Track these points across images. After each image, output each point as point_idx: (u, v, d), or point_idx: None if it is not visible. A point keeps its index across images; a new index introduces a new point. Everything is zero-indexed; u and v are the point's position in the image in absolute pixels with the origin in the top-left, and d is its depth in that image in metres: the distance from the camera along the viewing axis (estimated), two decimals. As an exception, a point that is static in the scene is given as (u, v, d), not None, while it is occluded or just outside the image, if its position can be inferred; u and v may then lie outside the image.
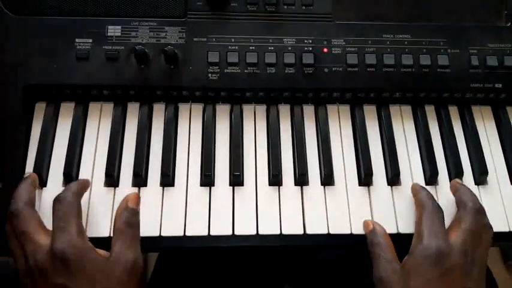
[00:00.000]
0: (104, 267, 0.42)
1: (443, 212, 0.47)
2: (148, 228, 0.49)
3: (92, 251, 0.43)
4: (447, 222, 0.48)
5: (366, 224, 0.49)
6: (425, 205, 0.48)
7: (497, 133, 0.58)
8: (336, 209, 0.51)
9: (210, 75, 0.54)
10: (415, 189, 0.51)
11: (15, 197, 0.46)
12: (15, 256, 0.44)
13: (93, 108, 0.55)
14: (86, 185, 0.49)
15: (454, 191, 0.51)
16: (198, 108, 0.56)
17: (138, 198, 0.48)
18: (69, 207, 0.44)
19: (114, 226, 0.45)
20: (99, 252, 0.44)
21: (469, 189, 0.50)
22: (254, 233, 0.50)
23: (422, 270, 0.43)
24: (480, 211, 0.47)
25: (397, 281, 0.44)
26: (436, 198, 0.51)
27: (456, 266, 0.43)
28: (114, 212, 0.49)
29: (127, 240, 0.44)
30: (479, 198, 0.52)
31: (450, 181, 0.54)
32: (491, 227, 0.48)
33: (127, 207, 0.46)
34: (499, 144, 0.57)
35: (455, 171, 0.54)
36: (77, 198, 0.46)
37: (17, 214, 0.44)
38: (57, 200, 0.45)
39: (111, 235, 0.48)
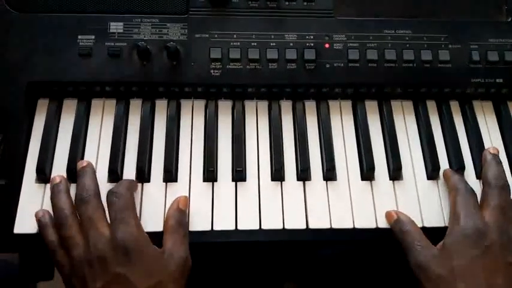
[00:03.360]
0: (160, 261, 0.44)
1: (476, 196, 0.49)
2: (151, 223, 0.49)
3: (150, 244, 0.45)
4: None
5: (389, 215, 0.50)
6: (458, 187, 0.49)
7: (498, 128, 0.58)
8: (338, 203, 0.51)
9: (212, 71, 0.54)
10: (447, 175, 0.52)
11: (84, 183, 0.47)
12: (70, 244, 0.44)
13: (96, 104, 0.56)
14: (135, 185, 0.50)
15: (483, 163, 0.52)
16: (200, 104, 0.56)
17: (187, 200, 0.50)
18: (125, 199, 0.46)
19: (165, 224, 0.47)
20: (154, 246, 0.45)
21: (499, 163, 0.51)
22: (257, 227, 0.50)
23: (464, 249, 0.44)
24: (504, 187, 0.49)
25: (439, 264, 0.45)
26: (437, 193, 0.52)
27: (495, 243, 0.45)
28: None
29: (179, 238, 0.46)
30: (480, 193, 0.53)
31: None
32: None
33: (178, 208, 0.48)
34: (500, 139, 0.57)
35: (457, 166, 0.54)
36: (131, 193, 0.47)
37: (87, 201, 0.46)
38: (112, 193, 0.46)
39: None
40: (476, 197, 0.49)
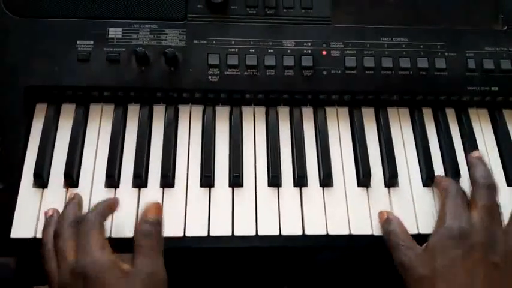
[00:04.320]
0: (124, 282, 0.42)
1: (466, 195, 0.49)
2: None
3: (114, 267, 0.42)
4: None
5: (380, 215, 0.51)
6: (447, 189, 0.49)
7: (493, 135, 0.58)
8: (335, 210, 0.52)
9: (210, 77, 0.54)
10: (438, 179, 0.52)
11: (62, 215, 0.46)
12: (49, 276, 0.44)
13: (94, 109, 0.56)
14: (112, 205, 0.49)
15: (469, 166, 0.52)
16: (198, 110, 0.57)
17: (158, 207, 0.46)
18: (90, 225, 0.44)
19: (134, 239, 0.44)
20: (122, 266, 0.43)
21: (484, 165, 0.51)
22: (253, 233, 0.50)
23: (447, 249, 0.44)
24: (492, 186, 0.48)
25: (421, 264, 0.45)
26: (432, 200, 0.52)
27: (479, 243, 0.44)
28: (114, 212, 0.49)
29: (147, 252, 0.43)
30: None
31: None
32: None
33: (146, 218, 0.45)
34: (496, 147, 0.57)
35: (453, 173, 0.54)
36: (99, 217, 0.45)
37: (59, 233, 0.44)
38: (80, 221, 0.45)
39: (112, 236, 0.49)
40: (466, 198, 0.48)
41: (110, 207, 0.48)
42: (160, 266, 0.44)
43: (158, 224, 0.45)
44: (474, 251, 0.44)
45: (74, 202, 0.48)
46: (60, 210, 0.48)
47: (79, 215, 0.47)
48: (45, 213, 0.49)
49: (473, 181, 0.50)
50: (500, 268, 0.44)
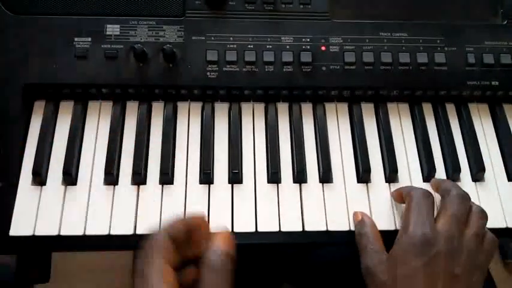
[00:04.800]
0: None
1: (432, 197, 0.47)
2: (147, 226, 0.49)
3: None
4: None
5: (355, 215, 0.50)
6: (412, 195, 0.47)
7: (494, 130, 0.58)
8: (335, 206, 0.52)
9: (208, 73, 0.54)
10: (405, 190, 0.50)
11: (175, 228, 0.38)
12: None
13: (92, 106, 0.56)
14: (194, 223, 0.38)
15: (436, 186, 0.51)
16: (196, 107, 0.56)
17: (229, 237, 0.38)
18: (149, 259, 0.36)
19: (201, 271, 0.36)
20: None
21: (449, 180, 0.51)
22: (253, 230, 0.50)
23: (408, 258, 0.43)
24: (463, 196, 0.47)
25: (384, 270, 0.44)
26: (433, 195, 0.52)
27: (441, 254, 0.43)
28: (114, 210, 0.49)
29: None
30: (476, 194, 0.53)
31: (448, 178, 0.54)
32: (482, 212, 0.47)
33: (215, 248, 0.37)
34: (496, 141, 0.57)
35: (453, 168, 0.54)
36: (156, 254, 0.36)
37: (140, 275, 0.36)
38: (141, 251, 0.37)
39: (111, 233, 0.49)
40: (432, 204, 0.47)
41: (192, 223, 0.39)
42: None
43: (229, 257, 0.37)
44: (436, 261, 0.43)
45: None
46: (58, 207, 0.48)
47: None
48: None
49: (445, 189, 0.48)
50: (461, 281, 0.43)
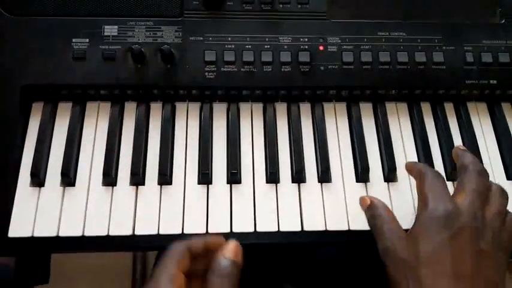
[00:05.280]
0: None
1: (443, 177, 0.46)
2: (146, 226, 0.49)
3: None
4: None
5: (362, 200, 0.48)
6: (424, 172, 0.46)
7: (492, 129, 0.58)
8: (334, 205, 0.51)
9: (206, 74, 0.54)
10: (410, 164, 0.49)
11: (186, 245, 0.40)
12: None
13: (91, 107, 0.56)
14: (214, 243, 0.41)
15: (456, 157, 0.49)
16: (195, 107, 0.56)
17: (238, 248, 0.40)
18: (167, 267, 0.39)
19: (207, 277, 0.38)
20: None
21: (470, 153, 0.48)
22: (252, 230, 0.50)
23: (431, 233, 0.41)
24: (482, 172, 0.45)
25: (405, 248, 0.42)
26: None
27: (466, 227, 0.41)
28: (112, 211, 0.49)
29: None
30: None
31: (446, 177, 0.54)
32: (501, 190, 0.46)
33: (224, 258, 0.39)
34: (495, 140, 0.57)
35: (451, 167, 0.54)
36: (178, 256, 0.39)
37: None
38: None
39: (110, 234, 0.49)
40: (444, 180, 0.45)
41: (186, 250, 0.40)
42: None
43: (236, 265, 0.39)
44: (461, 235, 0.41)
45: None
46: (57, 208, 0.48)
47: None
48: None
49: (462, 166, 0.47)
50: (488, 256, 0.41)
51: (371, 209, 0.47)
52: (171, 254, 0.39)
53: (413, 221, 0.44)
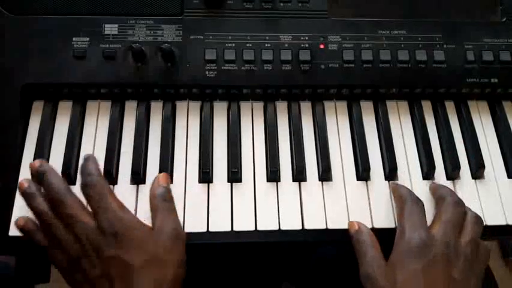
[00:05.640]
0: (151, 237, 0.44)
1: (423, 204, 0.48)
2: (147, 224, 0.49)
3: (138, 222, 0.45)
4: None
5: (351, 224, 0.50)
6: (405, 199, 0.48)
7: (493, 128, 0.58)
8: (334, 204, 0.51)
9: (207, 72, 0.54)
10: (393, 188, 0.51)
11: (53, 186, 0.45)
12: (62, 244, 0.44)
13: (91, 106, 0.56)
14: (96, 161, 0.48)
15: (433, 191, 0.52)
16: (195, 106, 0.56)
17: (167, 176, 0.49)
18: (100, 186, 0.45)
19: (150, 204, 0.47)
20: (145, 224, 0.45)
21: (445, 186, 0.51)
22: (253, 228, 0.50)
23: (407, 262, 0.44)
24: (459, 203, 0.48)
25: (383, 276, 0.45)
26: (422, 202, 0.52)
27: (439, 257, 0.44)
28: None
29: (165, 212, 0.46)
30: (476, 192, 0.53)
31: (447, 175, 0.54)
32: (477, 218, 0.48)
33: (159, 185, 0.48)
34: (496, 139, 0.57)
35: (452, 166, 0.54)
36: (102, 178, 0.46)
37: (61, 200, 0.44)
38: (86, 186, 0.45)
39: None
40: (423, 206, 0.48)
41: (96, 163, 0.48)
42: (180, 225, 0.47)
43: (170, 190, 0.48)
44: (434, 264, 0.44)
45: (50, 170, 0.47)
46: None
47: (63, 183, 0.46)
48: (20, 185, 0.47)
49: (439, 196, 0.50)
50: (460, 285, 0.44)
51: (357, 233, 0.49)
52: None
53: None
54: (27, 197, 0.46)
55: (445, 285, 0.43)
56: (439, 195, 0.50)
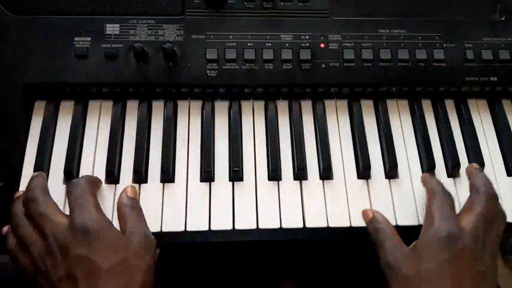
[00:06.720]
0: (121, 240, 0.44)
1: (453, 199, 0.48)
2: (149, 224, 0.49)
3: (111, 225, 0.45)
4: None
5: (365, 213, 0.49)
6: (435, 191, 0.48)
7: (493, 126, 0.58)
8: (335, 202, 0.52)
9: (208, 72, 0.54)
10: (425, 178, 0.52)
11: (30, 185, 0.47)
12: (27, 243, 0.44)
13: (93, 106, 0.56)
14: (98, 180, 0.51)
15: (469, 175, 0.52)
16: (196, 105, 0.57)
17: (135, 190, 0.50)
18: (81, 186, 0.46)
19: (118, 213, 0.47)
20: (116, 228, 0.45)
21: (484, 175, 0.50)
22: (254, 227, 0.50)
23: (434, 252, 0.43)
24: (493, 196, 0.47)
25: (407, 265, 0.44)
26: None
27: (467, 249, 0.43)
28: (116, 208, 0.50)
29: (135, 218, 0.46)
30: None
31: (447, 173, 0.54)
32: (504, 215, 0.48)
33: (126, 196, 0.48)
34: (495, 137, 0.57)
35: (452, 164, 0.54)
36: (90, 182, 0.47)
37: (34, 198, 0.45)
38: (70, 184, 0.46)
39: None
40: (453, 201, 0.48)
41: (95, 181, 0.50)
42: (150, 232, 0.47)
43: (137, 200, 0.50)
44: (462, 256, 0.43)
45: (40, 174, 0.49)
46: (60, 206, 0.48)
47: (46, 185, 0.48)
48: (15, 194, 0.49)
49: (473, 187, 0.49)
50: (487, 278, 0.44)
51: (373, 222, 0.48)
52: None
53: (419, 236, 0.46)
54: (13, 203, 0.47)
55: (472, 277, 0.43)
56: (473, 183, 0.49)
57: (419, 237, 0.45)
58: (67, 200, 0.50)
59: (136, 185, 0.52)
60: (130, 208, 0.47)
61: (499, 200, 0.53)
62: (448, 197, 0.47)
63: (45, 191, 0.47)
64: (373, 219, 0.48)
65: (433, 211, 0.46)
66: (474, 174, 0.51)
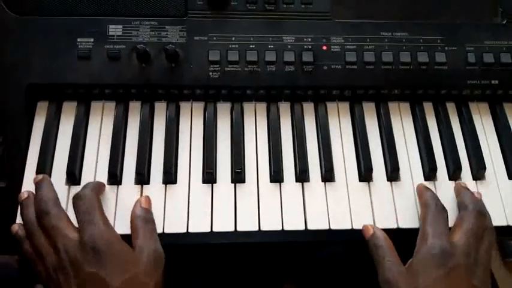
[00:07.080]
0: (131, 256, 0.44)
1: (447, 212, 0.49)
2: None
3: (120, 241, 0.45)
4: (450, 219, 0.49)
5: (366, 228, 0.50)
6: (429, 205, 0.49)
7: (494, 129, 0.58)
8: (337, 204, 0.52)
9: (211, 73, 0.54)
10: (420, 190, 0.52)
11: (42, 196, 0.47)
12: (42, 253, 0.45)
13: (95, 107, 0.56)
14: (102, 185, 0.51)
15: (457, 193, 0.52)
16: (199, 107, 0.57)
17: (149, 200, 0.50)
18: (90, 201, 0.46)
19: (131, 224, 0.48)
20: (126, 244, 0.45)
21: (471, 192, 0.51)
22: (256, 229, 0.50)
23: (430, 269, 0.44)
24: (481, 213, 0.49)
25: (404, 282, 0.45)
26: (434, 193, 0.52)
27: (460, 266, 0.45)
28: (118, 209, 0.50)
29: (147, 234, 0.47)
30: (477, 193, 0.53)
31: (449, 176, 0.55)
32: (493, 229, 0.49)
33: (141, 207, 0.49)
34: (497, 140, 0.58)
35: (454, 167, 0.54)
36: (95, 194, 0.48)
37: (47, 212, 0.46)
38: (77, 197, 0.47)
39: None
40: (447, 215, 0.49)
41: (100, 188, 0.50)
42: (160, 247, 0.47)
43: (151, 213, 0.49)
44: (456, 272, 0.44)
45: (47, 182, 0.49)
46: (62, 206, 0.48)
47: (56, 195, 0.48)
48: (20, 195, 0.49)
49: (462, 204, 0.50)
50: None
51: (373, 239, 0.49)
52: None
53: (414, 254, 0.47)
54: (21, 206, 0.48)
55: None
56: (462, 201, 0.50)
57: (415, 254, 0.47)
58: (69, 200, 0.50)
59: (139, 186, 0.52)
60: (143, 221, 0.47)
61: (501, 203, 0.54)
62: (442, 212, 0.48)
63: (57, 203, 0.47)
64: (373, 236, 0.49)
65: (427, 227, 0.47)
66: (462, 193, 0.52)
